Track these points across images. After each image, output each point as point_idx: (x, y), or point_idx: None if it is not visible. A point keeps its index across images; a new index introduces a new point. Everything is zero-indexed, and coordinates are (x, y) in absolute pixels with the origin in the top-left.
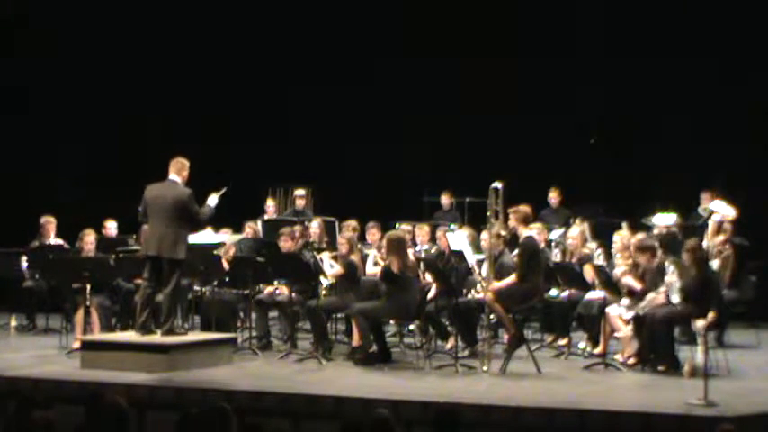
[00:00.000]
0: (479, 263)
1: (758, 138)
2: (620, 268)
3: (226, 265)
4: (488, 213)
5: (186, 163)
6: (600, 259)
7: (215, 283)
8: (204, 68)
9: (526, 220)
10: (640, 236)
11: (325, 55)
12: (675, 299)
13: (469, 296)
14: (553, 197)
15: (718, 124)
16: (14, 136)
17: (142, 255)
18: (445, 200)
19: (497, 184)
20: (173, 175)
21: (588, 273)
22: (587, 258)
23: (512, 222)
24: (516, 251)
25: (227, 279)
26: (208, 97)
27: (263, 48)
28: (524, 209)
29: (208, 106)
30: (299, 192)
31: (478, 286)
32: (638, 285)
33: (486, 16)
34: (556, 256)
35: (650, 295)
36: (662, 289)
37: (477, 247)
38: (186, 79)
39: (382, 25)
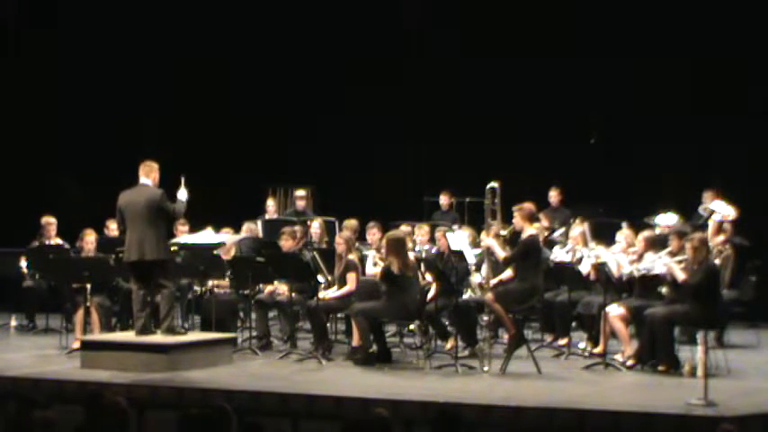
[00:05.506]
0: (478, 264)
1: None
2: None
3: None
4: (486, 213)
5: (155, 165)
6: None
7: (215, 283)
8: (202, 69)
9: (531, 218)
10: (647, 233)
11: (325, 55)
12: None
13: (466, 296)
14: (553, 196)
15: (717, 124)
16: (15, 135)
17: (125, 261)
18: (444, 200)
19: (494, 184)
20: (143, 179)
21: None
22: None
23: (516, 220)
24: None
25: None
26: (207, 97)
27: (263, 48)
28: (529, 206)
29: (207, 106)
30: (300, 192)
31: (474, 284)
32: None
33: (486, 16)
34: (567, 254)
35: (648, 255)
36: (665, 258)
37: (477, 247)
38: (185, 79)
39: (382, 25)
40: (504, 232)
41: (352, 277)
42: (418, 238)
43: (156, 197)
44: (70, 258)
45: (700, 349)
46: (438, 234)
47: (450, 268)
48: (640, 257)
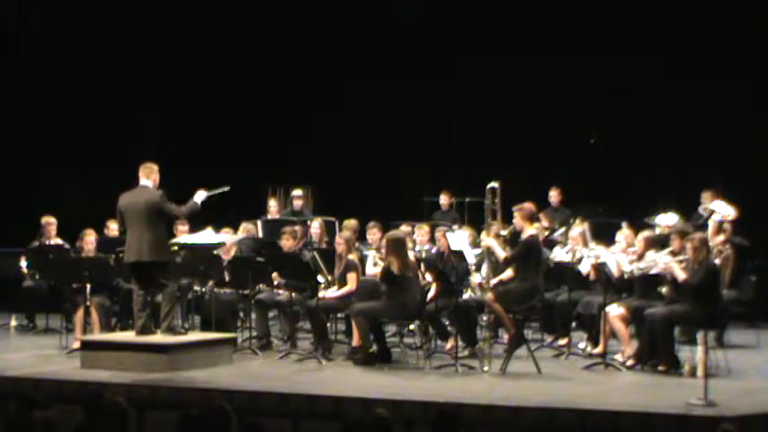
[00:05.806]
0: (478, 264)
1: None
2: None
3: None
4: (486, 213)
5: (155, 167)
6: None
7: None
8: (202, 69)
9: (531, 218)
10: (647, 232)
11: (325, 55)
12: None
13: (466, 296)
14: (554, 195)
15: (716, 124)
16: (16, 135)
17: (125, 262)
18: (444, 200)
19: (494, 184)
20: (143, 180)
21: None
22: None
23: (516, 220)
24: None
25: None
26: (207, 97)
27: (265, 48)
28: (529, 206)
29: (208, 106)
30: (297, 192)
31: (474, 284)
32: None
33: (484, 16)
34: (567, 254)
35: (649, 254)
36: (665, 257)
37: (477, 247)
38: (185, 80)
39: (382, 26)
40: (504, 232)
41: (352, 277)
42: (418, 238)
43: (155, 198)
44: (70, 258)
45: (700, 349)
46: (438, 234)
47: (450, 268)
48: (640, 257)
